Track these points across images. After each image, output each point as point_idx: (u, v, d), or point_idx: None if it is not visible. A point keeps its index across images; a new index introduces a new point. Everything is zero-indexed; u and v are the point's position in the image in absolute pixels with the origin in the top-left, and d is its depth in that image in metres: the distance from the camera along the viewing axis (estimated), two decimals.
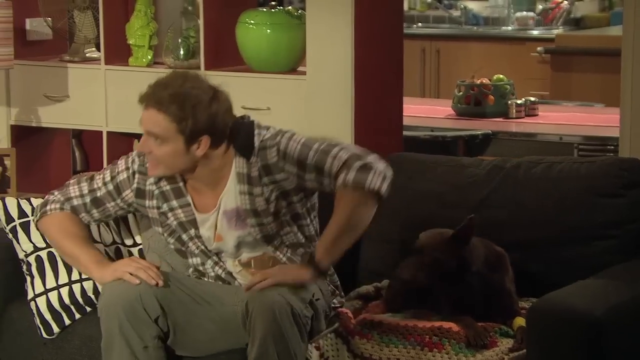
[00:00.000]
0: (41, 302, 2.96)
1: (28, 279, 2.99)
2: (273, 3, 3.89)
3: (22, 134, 4.13)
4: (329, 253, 2.66)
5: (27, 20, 4.08)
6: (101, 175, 2.90)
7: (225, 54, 3.87)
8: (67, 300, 2.94)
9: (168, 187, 2.82)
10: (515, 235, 2.85)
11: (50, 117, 4.06)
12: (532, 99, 4.78)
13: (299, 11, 3.81)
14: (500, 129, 4.53)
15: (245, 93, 3.75)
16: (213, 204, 2.80)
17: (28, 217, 3.01)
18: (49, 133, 4.19)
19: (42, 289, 2.96)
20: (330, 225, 2.67)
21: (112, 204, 2.89)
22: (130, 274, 2.74)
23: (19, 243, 3.01)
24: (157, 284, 2.73)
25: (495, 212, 2.86)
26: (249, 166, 2.74)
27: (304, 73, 3.71)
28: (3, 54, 3.78)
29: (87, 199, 2.90)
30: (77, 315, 2.95)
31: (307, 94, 3.68)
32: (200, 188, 2.81)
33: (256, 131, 2.76)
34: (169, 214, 2.83)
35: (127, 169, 2.87)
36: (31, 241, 3.00)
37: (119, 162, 2.90)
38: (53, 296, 2.96)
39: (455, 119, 4.70)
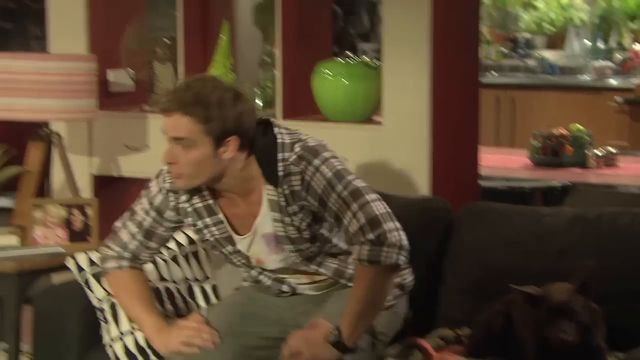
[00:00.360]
0: (117, 346, 2.99)
1: (103, 324, 3.03)
2: (349, 53, 3.92)
3: (103, 184, 4.20)
4: (353, 332, 2.60)
5: (110, 72, 4.18)
6: (140, 205, 2.84)
7: (302, 103, 3.90)
8: (142, 343, 2.96)
9: (200, 205, 2.75)
10: (597, 287, 2.79)
11: (131, 166, 4.12)
12: (612, 149, 4.71)
13: (375, 61, 3.83)
14: (579, 179, 4.46)
15: None
16: (248, 225, 2.72)
17: (98, 266, 3.05)
18: (128, 182, 4.25)
19: (117, 333, 3.00)
20: (351, 304, 2.61)
21: (162, 229, 2.83)
22: (186, 344, 2.70)
23: (92, 291, 3.07)
24: (214, 344, 2.69)
25: (576, 263, 2.81)
26: (277, 193, 2.65)
27: (380, 123, 3.72)
28: (87, 107, 3.85)
29: (140, 236, 2.85)
30: (154, 358, 2.95)
31: (383, 144, 3.68)
32: (234, 199, 2.71)
33: (279, 155, 2.64)
34: (205, 231, 2.78)
35: (160, 190, 2.80)
36: (103, 288, 3.04)
37: (150, 186, 2.84)
38: (129, 340, 2.98)
39: (531, 170, 4.65)
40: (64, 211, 3.75)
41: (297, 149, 2.65)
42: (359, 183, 2.65)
